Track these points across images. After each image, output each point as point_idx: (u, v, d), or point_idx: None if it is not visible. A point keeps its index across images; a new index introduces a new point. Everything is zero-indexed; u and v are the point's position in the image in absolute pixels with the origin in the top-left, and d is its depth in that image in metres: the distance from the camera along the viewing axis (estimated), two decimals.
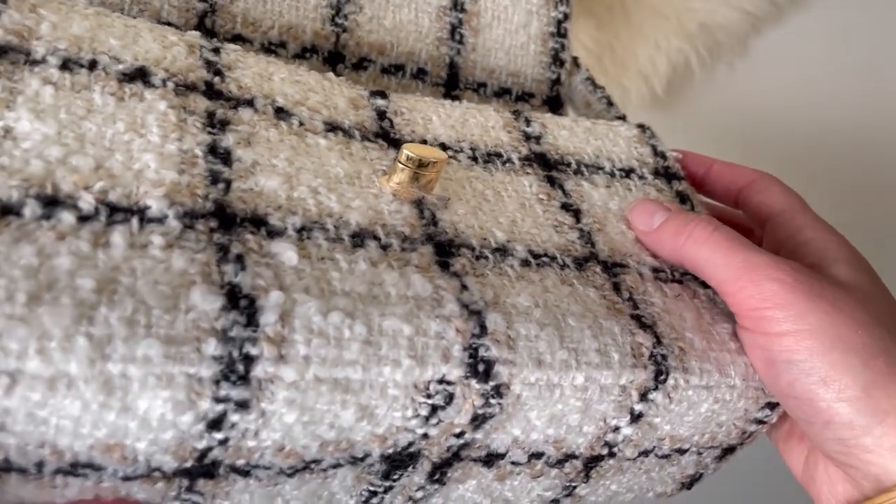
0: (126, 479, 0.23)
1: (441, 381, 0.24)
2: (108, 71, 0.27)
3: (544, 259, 0.29)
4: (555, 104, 0.45)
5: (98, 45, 0.27)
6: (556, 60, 0.43)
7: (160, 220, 0.23)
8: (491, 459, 0.28)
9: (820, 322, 0.27)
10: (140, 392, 0.20)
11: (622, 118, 0.42)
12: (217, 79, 0.29)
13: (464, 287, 0.26)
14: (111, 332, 0.20)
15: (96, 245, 0.21)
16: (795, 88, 0.58)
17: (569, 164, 0.36)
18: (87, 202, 0.22)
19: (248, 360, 0.21)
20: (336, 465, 0.25)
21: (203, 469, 0.23)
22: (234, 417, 0.22)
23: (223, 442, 0.22)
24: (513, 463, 0.28)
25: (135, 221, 0.23)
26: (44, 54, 0.26)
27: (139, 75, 0.27)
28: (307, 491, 0.26)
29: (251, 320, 0.22)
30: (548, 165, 0.35)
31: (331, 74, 0.34)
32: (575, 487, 0.31)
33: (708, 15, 0.56)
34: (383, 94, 0.34)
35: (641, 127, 0.40)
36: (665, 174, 0.38)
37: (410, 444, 0.25)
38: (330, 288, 0.23)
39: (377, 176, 0.29)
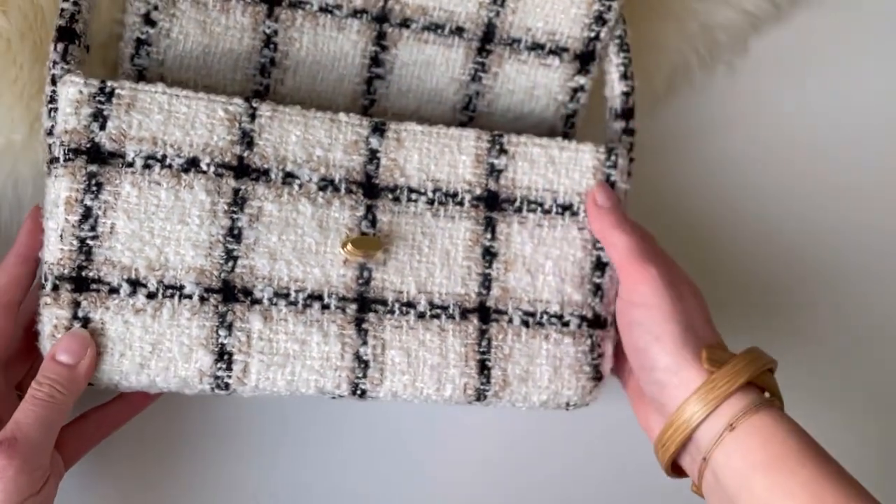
0: None
1: (337, 395, 0.44)
2: (171, 165, 0.42)
3: (438, 310, 0.45)
4: (587, 59, 0.50)
5: (167, 137, 0.42)
6: (599, 20, 0.48)
7: (189, 296, 0.42)
8: None
9: (667, 303, 0.43)
10: (175, 391, 0.43)
11: (627, 94, 0.49)
12: (247, 152, 0.43)
13: (364, 342, 0.44)
14: (157, 374, 0.41)
15: (154, 317, 0.41)
16: (795, 88, 0.58)
17: (513, 202, 0.47)
18: (152, 284, 0.41)
19: (227, 385, 0.42)
20: None
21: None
22: (224, 395, 0.44)
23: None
24: None
25: (176, 298, 0.42)
26: (133, 157, 0.41)
27: (192, 165, 0.42)
28: None
29: (229, 367, 0.42)
30: (493, 206, 0.47)
31: (341, 116, 0.45)
32: None
33: (708, 15, 0.55)
34: (382, 131, 0.46)
35: (609, 151, 0.48)
36: None
37: None
38: (276, 349, 0.43)
39: (340, 239, 0.44)
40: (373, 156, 0.45)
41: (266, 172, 0.44)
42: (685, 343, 0.42)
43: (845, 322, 0.57)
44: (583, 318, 0.47)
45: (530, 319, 0.47)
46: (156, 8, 0.45)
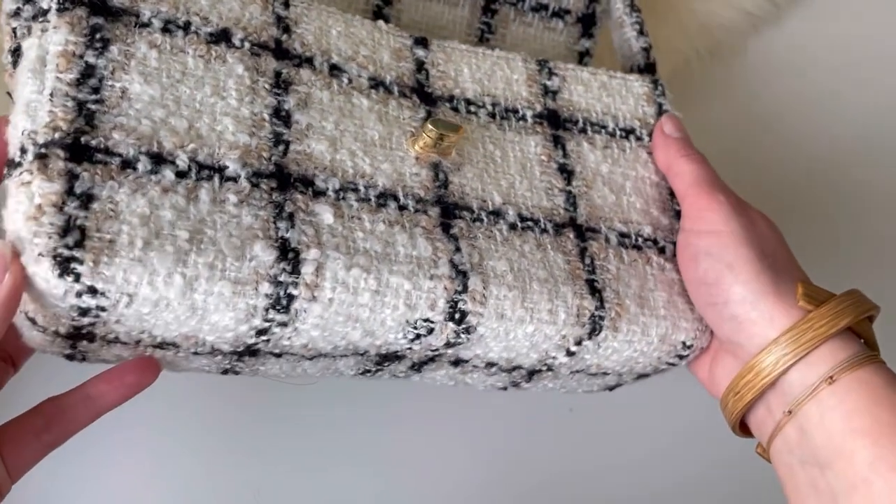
0: (196, 353, 0.32)
1: (426, 320, 0.32)
2: (199, 33, 0.33)
3: (529, 223, 0.37)
4: (589, 22, 0.49)
5: (191, 4, 0.33)
6: None
7: (235, 179, 0.30)
8: (458, 362, 0.37)
9: (739, 229, 0.37)
10: (214, 312, 0.29)
11: (647, 49, 0.47)
12: (285, 36, 0.35)
13: (457, 249, 0.34)
14: (198, 273, 0.28)
15: (189, 199, 0.29)
16: (795, 89, 0.58)
17: (576, 122, 0.42)
18: (182, 160, 0.30)
19: (290, 298, 0.30)
20: (343, 355, 0.35)
21: (249, 352, 0.33)
22: (276, 330, 0.31)
23: (266, 342, 0.31)
24: (474, 366, 0.38)
25: (216, 179, 0.30)
26: (149, 17, 0.32)
27: (223, 37, 0.33)
28: (320, 366, 0.36)
29: (295, 269, 0.30)
30: (556, 124, 0.41)
31: (381, 23, 0.39)
32: (519, 383, 0.41)
33: (708, 15, 0.57)
34: (425, 44, 0.40)
35: (655, 83, 0.45)
36: None
37: (398, 350, 0.34)
38: (354, 246, 0.31)
39: (406, 137, 0.36)
40: (420, 65, 0.39)
41: (310, 60, 0.35)
42: (762, 270, 0.36)
43: None
44: (675, 244, 0.41)
45: (627, 241, 0.39)
46: None
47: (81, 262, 0.26)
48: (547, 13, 0.48)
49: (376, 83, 0.37)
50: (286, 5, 0.36)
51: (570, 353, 0.37)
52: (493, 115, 0.40)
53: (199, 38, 0.33)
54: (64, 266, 0.26)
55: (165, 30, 0.32)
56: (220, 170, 0.30)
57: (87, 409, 0.33)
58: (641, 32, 0.48)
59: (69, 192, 0.27)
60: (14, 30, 0.32)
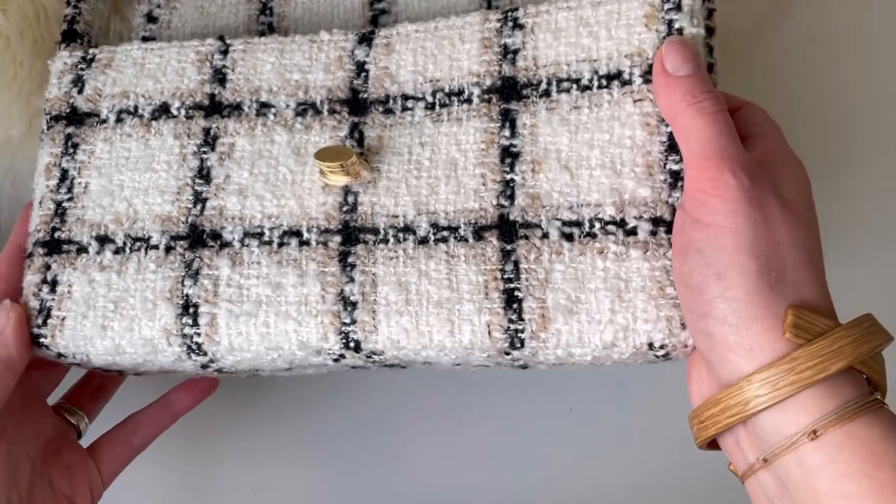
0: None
1: (328, 349, 0.35)
2: (143, 115, 0.39)
3: (444, 234, 0.35)
4: None
5: (139, 89, 0.39)
6: None
7: (156, 247, 0.37)
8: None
9: (744, 226, 0.29)
10: (154, 358, 0.36)
11: None
12: (219, 89, 0.39)
13: (350, 279, 0.35)
14: (121, 337, 0.36)
15: (120, 273, 0.37)
16: (795, 88, 0.55)
17: (538, 85, 0.36)
18: (119, 239, 0.37)
19: (199, 346, 0.35)
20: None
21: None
22: (210, 364, 0.37)
23: (217, 370, 0.38)
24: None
25: (143, 250, 0.37)
26: (107, 114, 0.39)
27: (162, 111, 0.39)
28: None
29: (195, 321, 0.35)
30: (511, 94, 0.36)
31: (323, 34, 0.39)
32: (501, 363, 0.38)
33: None
34: (369, 40, 0.39)
35: None
36: None
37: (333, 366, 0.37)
38: (246, 295, 0.35)
39: (318, 168, 0.37)
40: (360, 69, 0.38)
41: (238, 106, 0.39)
42: (756, 290, 0.29)
43: None
44: (657, 220, 0.33)
45: (575, 231, 0.34)
46: (158, 6, 0.45)
47: (45, 337, 0.36)
48: None
49: (304, 108, 0.38)
50: (225, 53, 0.39)
51: (506, 357, 0.34)
52: (431, 106, 0.37)
53: (142, 121, 0.39)
54: (34, 339, 0.37)
55: (118, 120, 0.39)
56: (147, 240, 0.37)
57: (166, 415, 0.43)
58: None
59: (43, 280, 0.37)
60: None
